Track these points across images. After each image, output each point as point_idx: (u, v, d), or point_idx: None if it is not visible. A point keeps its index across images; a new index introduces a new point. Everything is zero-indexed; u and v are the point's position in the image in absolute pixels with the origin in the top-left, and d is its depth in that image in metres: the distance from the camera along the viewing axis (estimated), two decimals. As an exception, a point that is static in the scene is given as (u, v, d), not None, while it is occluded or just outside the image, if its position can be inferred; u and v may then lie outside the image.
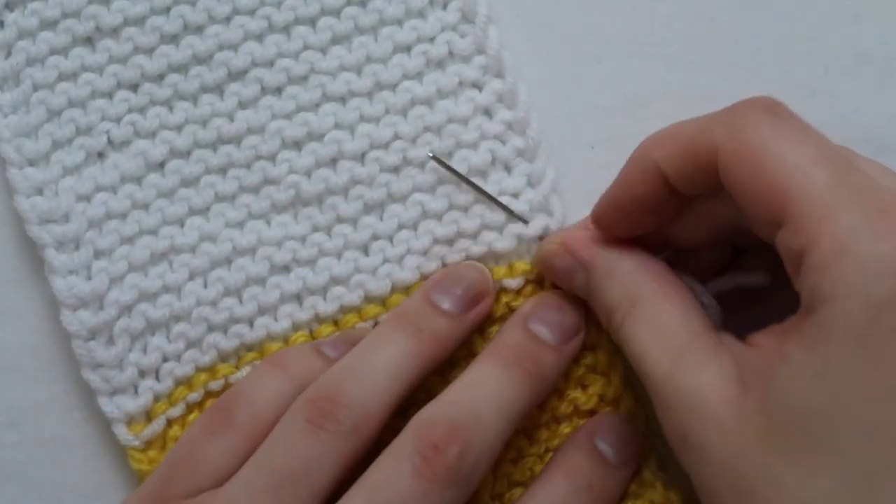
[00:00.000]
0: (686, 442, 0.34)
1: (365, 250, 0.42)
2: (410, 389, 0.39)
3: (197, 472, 0.38)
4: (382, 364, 0.38)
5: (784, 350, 0.32)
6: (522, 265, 0.42)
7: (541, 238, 0.42)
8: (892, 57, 0.44)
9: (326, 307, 0.42)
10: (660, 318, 0.36)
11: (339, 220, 0.42)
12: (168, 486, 0.38)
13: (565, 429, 0.42)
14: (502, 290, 0.42)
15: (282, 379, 0.39)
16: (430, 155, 0.41)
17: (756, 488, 0.32)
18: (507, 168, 0.42)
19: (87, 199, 0.42)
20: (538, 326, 0.40)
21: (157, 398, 0.42)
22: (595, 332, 0.42)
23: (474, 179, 0.42)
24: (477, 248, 0.42)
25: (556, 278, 0.40)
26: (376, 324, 0.42)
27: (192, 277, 0.42)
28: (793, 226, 0.32)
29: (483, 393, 0.38)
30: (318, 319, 0.42)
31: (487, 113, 0.42)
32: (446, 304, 0.40)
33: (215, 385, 0.42)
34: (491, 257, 0.42)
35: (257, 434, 0.38)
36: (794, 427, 0.31)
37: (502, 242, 0.42)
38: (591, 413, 0.42)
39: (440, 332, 0.40)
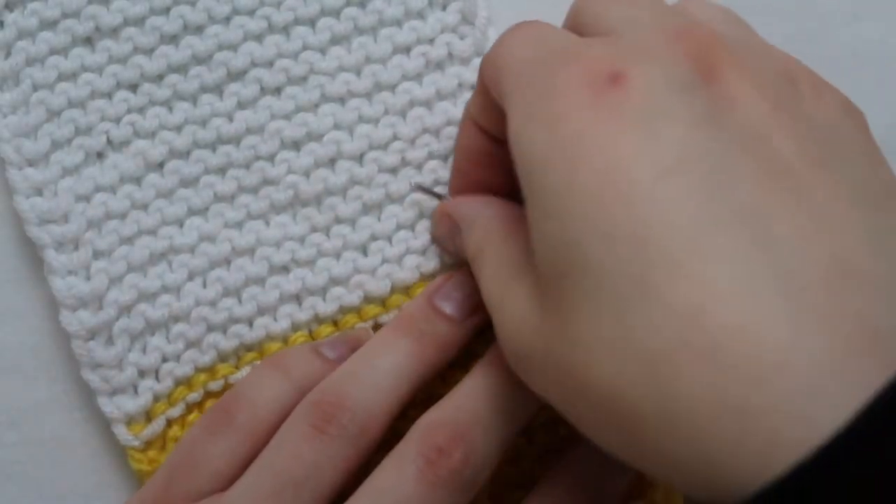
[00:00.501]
0: (513, 359, 0.34)
1: (364, 251, 0.42)
2: (413, 393, 0.39)
3: (197, 474, 0.38)
4: (385, 369, 0.38)
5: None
6: None
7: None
8: (893, 57, 0.44)
9: (326, 307, 0.42)
10: (498, 258, 0.36)
11: (338, 220, 0.42)
12: (169, 489, 0.38)
13: (564, 430, 0.41)
14: None
15: (281, 380, 0.39)
16: (413, 184, 0.42)
17: (562, 363, 0.31)
18: None
19: (86, 199, 0.42)
20: None
21: (156, 398, 0.42)
22: None
23: None
24: None
25: (443, 247, 0.41)
26: (376, 324, 0.42)
27: (191, 277, 0.42)
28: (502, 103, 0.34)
29: (489, 396, 0.38)
30: (318, 320, 0.42)
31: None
32: (449, 309, 0.40)
33: (215, 385, 0.42)
34: None
35: (258, 435, 0.38)
36: (560, 287, 0.30)
37: None
38: None
39: (442, 336, 0.40)
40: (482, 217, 0.38)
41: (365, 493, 0.36)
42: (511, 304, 0.34)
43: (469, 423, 0.37)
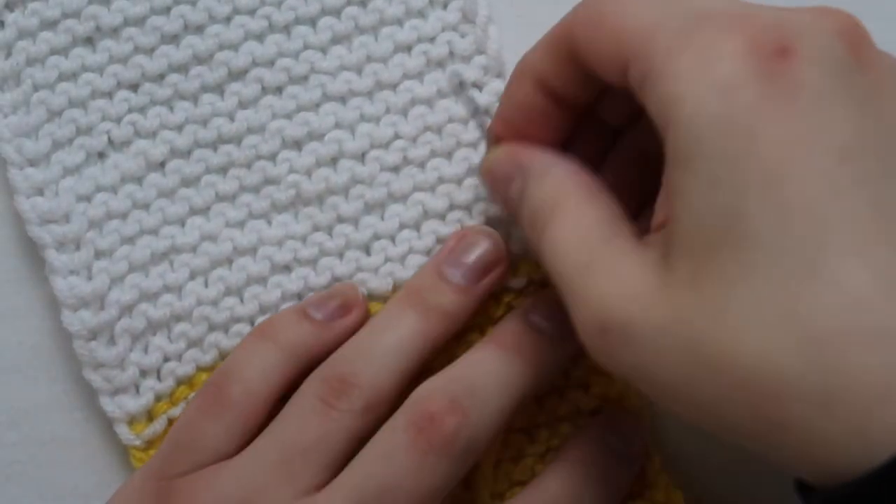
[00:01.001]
0: (606, 329, 0.32)
1: (367, 250, 0.42)
2: (420, 366, 0.39)
3: (197, 454, 0.38)
4: (393, 344, 0.38)
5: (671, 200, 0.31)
6: (527, 266, 0.42)
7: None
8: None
9: (328, 306, 0.42)
10: (581, 218, 0.34)
11: (340, 219, 0.42)
12: (169, 469, 0.38)
13: (566, 429, 0.42)
14: (504, 289, 0.42)
15: (271, 350, 0.39)
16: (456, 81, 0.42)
17: (696, 336, 0.30)
18: None
19: (87, 199, 0.42)
20: (537, 318, 0.40)
21: (158, 398, 0.42)
22: None
23: (475, 179, 0.42)
24: None
25: (495, 186, 0.39)
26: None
27: (192, 277, 0.42)
28: (631, 66, 0.32)
29: (484, 370, 0.38)
30: (320, 318, 0.42)
31: (488, 113, 0.42)
32: (457, 277, 0.40)
33: (216, 385, 0.42)
34: None
35: (252, 409, 0.38)
36: (708, 259, 0.30)
37: (509, 245, 0.42)
38: (593, 413, 0.42)
39: (449, 308, 0.40)
40: (558, 170, 0.36)
41: (360, 462, 0.36)
42: (606, 270, 0.32)
43: (462, 392, 0.37)
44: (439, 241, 0.42)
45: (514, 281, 0.42)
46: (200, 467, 0.38)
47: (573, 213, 0.34)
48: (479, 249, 0.40)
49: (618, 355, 0.32)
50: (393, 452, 0.36)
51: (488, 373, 0.38)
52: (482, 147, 0.42)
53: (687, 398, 0.31)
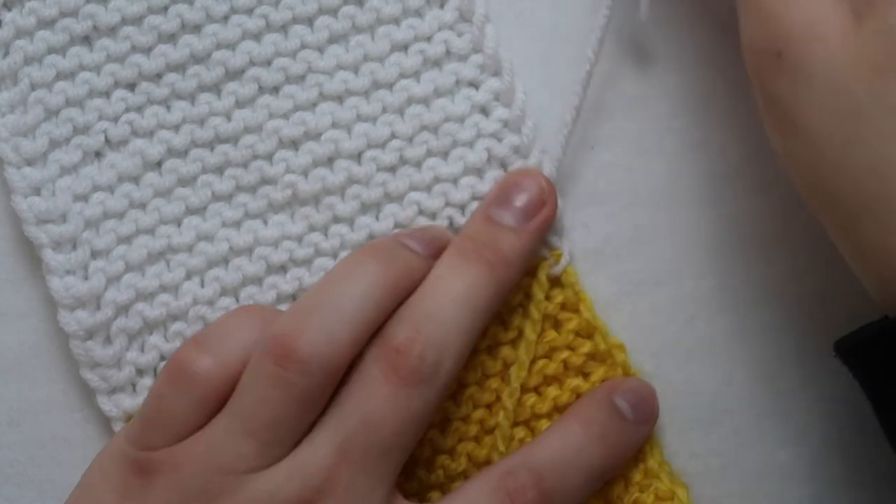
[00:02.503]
0: (783, 60, 0.32)
1: (361, 250, 0.42)
2: (381, 318, 0.38)
3: (171, 428, 0.37)
4: (350, 293, 0.37)
5: None
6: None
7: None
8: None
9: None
10: None
11: (336, 219, 0.42)
12: (143, 442, 0.37)
13: None
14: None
15: (251, 328, 0.38)
16: None
17: (867, 112, 0.31)
18: (503, 166, 0.42)
19: (84, 198, 0.42)
20: (496, 211, 0.40)
21: (154, 397, 0.42)
22: (591, 320, 0.42)
23: (471, 178, 0.42)
24: None
25: None
26: None
27: (189, 277, 0.42)
28: None
29: (442, 290, 0.38)
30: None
31: (484, 111, 0.42)
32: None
33: (213, 385, 0.42)
34: None
35: (226, 382, 0.38)
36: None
37: None
38: None
39: (411, 263, 0.39)
40: None
41: (336, 408, 0.36)
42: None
43: (422, 318, 0.37)
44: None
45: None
46: (177, 439, 0.37)
47: None
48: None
49: (780, 84, 0.32)
50: (367, 391, 0.36)
51: (447, 290, 0.38)
52: (478, 145, 0.42)
53: (816, 155, 0.32)
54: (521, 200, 0.40)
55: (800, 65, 0.32)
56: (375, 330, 0.37)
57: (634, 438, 0.40)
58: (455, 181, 0.42)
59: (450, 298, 0.38)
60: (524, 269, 0.41)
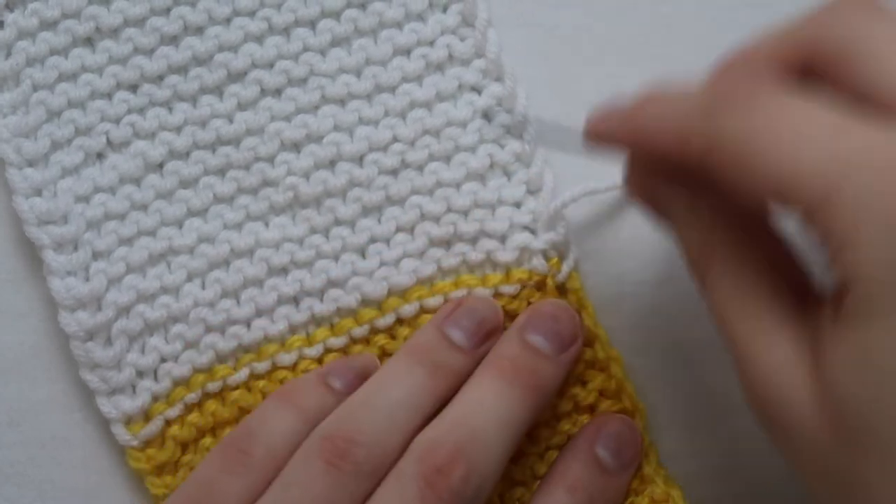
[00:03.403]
0: (772, 426, 0.32)
1: (362, 253, 0.42)
2: (424, 424, 0.38)
3: None
4: (401, 400, 0.38)
5: (831, 334, 0.29)
6: (519, 273, 0.42)
7: (544, 252, 0.42)
8: None
9: (323, 309, 0.42)
10: (744, 275, 0.32)
11: (337, 222, 0.42)
12: None
13: (565, 426, 0.41)
14: (497, 294, 0.42)
15: (294, 415, 0.39)
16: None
17: (847, 484, 0.29)
18: (507, 173, 0.42)
19: (85, 200, 0.42)
20: (534, 337, 0.39)
21: (155, 398, 0.42)
22: (592, 328, 0.42)
23: (473, 184, 0.42)
24: (475, 255, 0.42)
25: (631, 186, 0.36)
26: (372, 328, 0.42)
27: (189, 279, 0.42)
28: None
29: (484, 411, 0.37)
30: (315, 322, 0.42)
31: (486, 116, 0.42)
32: (459, 339, 0.40)
33: (213, 386, 0.42)
34: (488, 264, 0.42)
35: (273, 470, 0.38)
36: (859, 423, 0.29)
37: (504, 254, 0.41)
38: (591, 408, 0.42)
39: (454, 367, 0.39)
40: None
41: None
42: (764, 355, 0.31)
43: (467, 439, 0.36)
44: (433, 243, 0.42)
45: (507, 287, 0.42)
46: None
47: (734, 264, 0.33)
48: (480, 315, 0.40)
49: (782, 450, 0.32)
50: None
51: (491, 412, 0.37)
52: (480, 151, 0.42)
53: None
54: (557, 330, 0.40)
55: (783, 433, 0.31)
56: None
57: (620, 487, 0.40)
58: (457, 186, 0.42)
59: (494, 422, 0.37)
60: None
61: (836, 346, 0.29)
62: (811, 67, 0.31)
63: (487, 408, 0.37)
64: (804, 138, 0.29)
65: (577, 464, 0.40)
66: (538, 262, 0.42)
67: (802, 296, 0.32)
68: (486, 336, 0.40)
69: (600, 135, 0.35)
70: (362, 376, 0.40)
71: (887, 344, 0.28)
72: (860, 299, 0.28)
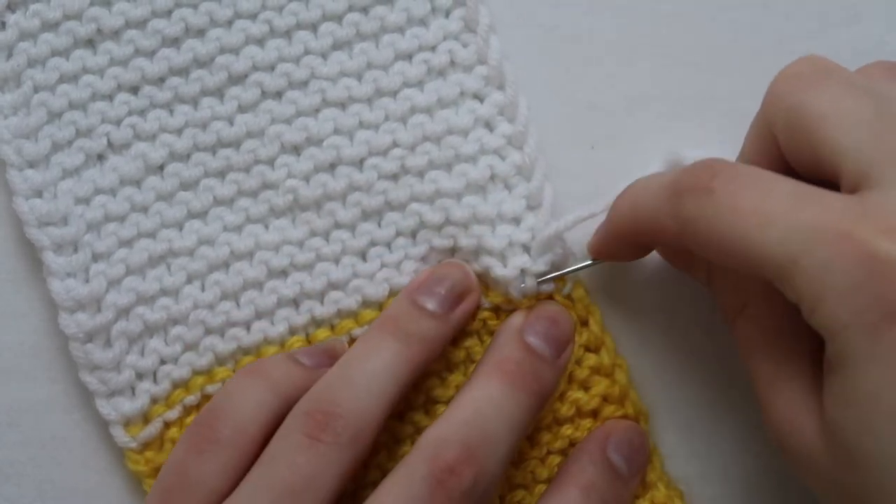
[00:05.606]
0: (786, 451, 0.35)
1: (363, 256, 0.42)
2: (402, 393, 0.39)
3: (193, 494, 0.37)
4: (376, 370, 0.38)
5: (824, 378, 0.33)
6: (527, 301, 0.42)
7: (540, 276, 0.41)
8: (893, 57, 0.43)
9: (323, 311, 0.42)
10: (770, 321, 0.36)
11: (338, 225, 0.42)
12: None
13: (567, 430, 0.42)
14: (497, 308, 0.42)
15: (262, 387, 0.39)
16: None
17: (853, 498, 0.32)
18: (507, 186, 0.42)
19: (85, 201, 0.42)
20: (534, 339, 0.40)
21: (154, 400, 0.42)
22: (599, 334, 0.42)
23: (473, 197, 0.42)
24: (476, 267, 0.42)
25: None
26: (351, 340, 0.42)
27: (189, 281, 0.42)
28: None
29: (492, 412, 0.38)
30: (315, 323, 0.42)
31: (488, 126, 0.42)
32: (431, 305, 0.40)
33: (212, 388, 0.42)
34: (489, 279, 0.42)
35: (245, 447, 0.38)
36: (856, 454, 0.31)
37: (502, 271, 0.41)
38: (594, 413, 0.42)
39: (428, 334, 0.39)
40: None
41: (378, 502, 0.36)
42: (781, 404, 0.35)
43: (478, 439, 0.37)
44: (433, 249, 0.42)
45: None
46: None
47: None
48: (450, 279, 0.41)
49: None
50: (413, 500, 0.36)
51: (499, 412, 0.38)
52: (481, 162, 0.42)
53: None
54: (556, 335, 0.40)
55: (800, 472, 0.35)
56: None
57: (629, 492, 0.41)
58: (457, 197, 0.42)
59: (502, 424, 0.37)
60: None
61: (828, 388, 0.32)
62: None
63: (496, 409, 0.38)
64: (764, 215, 0.32)
65: (592, 467, 0.40)
66: (545, 287, 0.42)
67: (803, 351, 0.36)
68: (459, 299, 0.41)
69: (601, 251, 0.40)
70: (331, 354, 0.40)
71: (864, 387, 0.31)
72: (836, 352, 0.31)
